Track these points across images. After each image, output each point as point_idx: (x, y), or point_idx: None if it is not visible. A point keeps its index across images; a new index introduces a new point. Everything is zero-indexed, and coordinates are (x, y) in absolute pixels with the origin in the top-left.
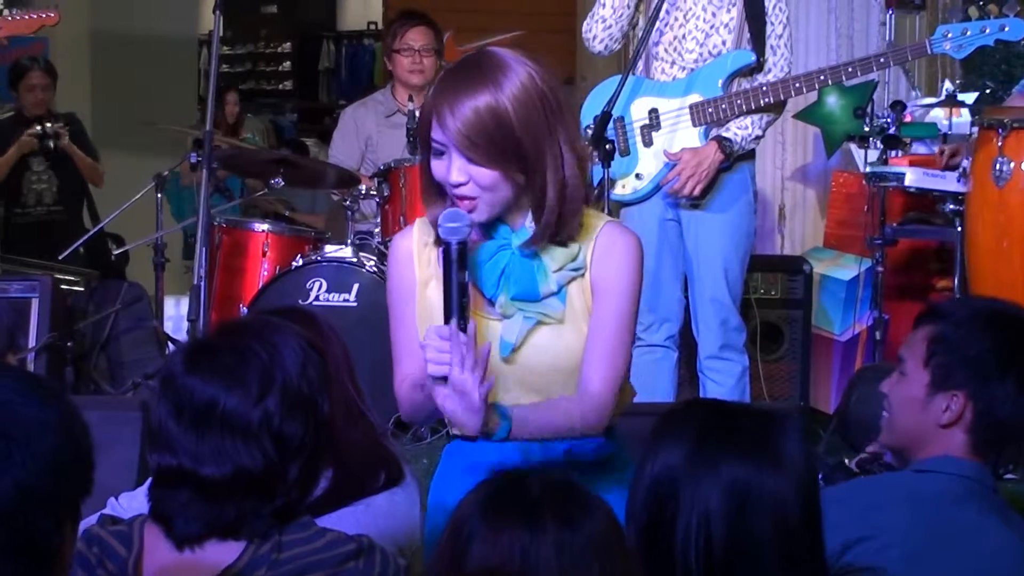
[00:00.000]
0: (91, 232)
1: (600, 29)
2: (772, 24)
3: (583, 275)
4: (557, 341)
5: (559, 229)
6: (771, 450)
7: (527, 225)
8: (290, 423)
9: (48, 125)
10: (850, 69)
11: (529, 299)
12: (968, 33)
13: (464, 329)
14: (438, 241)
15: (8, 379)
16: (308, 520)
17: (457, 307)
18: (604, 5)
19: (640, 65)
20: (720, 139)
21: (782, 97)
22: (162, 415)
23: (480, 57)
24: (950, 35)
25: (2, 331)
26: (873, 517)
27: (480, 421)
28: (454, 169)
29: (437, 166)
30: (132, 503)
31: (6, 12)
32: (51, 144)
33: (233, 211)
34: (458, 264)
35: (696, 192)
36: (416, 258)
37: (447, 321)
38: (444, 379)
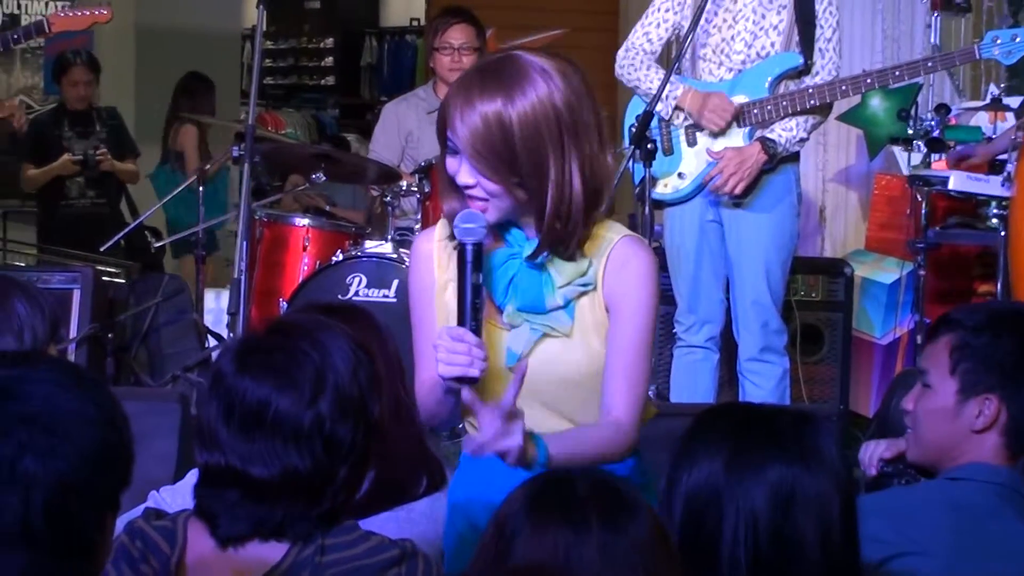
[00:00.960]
0: (132, 224)
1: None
2: (821, 27)
3: (594, 289)
4: (565, 355)
5: (561, 246)
6: (811, 450)
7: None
8: (341, 426)
9: (90, 153)
10: (897, 73)
11: (535, 311)
12: (1018, 39)
13: (477, 331)
14: (453, 238)
15: (49, 371)
16: (352, 524)
17: (470, 308)
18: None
19: (687, 66)
20: (764, 140)
21: (828, 100)
22: (211, 415)
23: (505, 61)
24: (999, 40)
25: (45, 321)
26: (911, 530)
27: (517, 454)
28: (463, 171)
29: (451, 163)
30: (175, 498)
31: (58, 8)
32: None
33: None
34: (472, 265)
35: (738, 190)
36: (436, 260)
37: (460, 322)
38: (455, 380)
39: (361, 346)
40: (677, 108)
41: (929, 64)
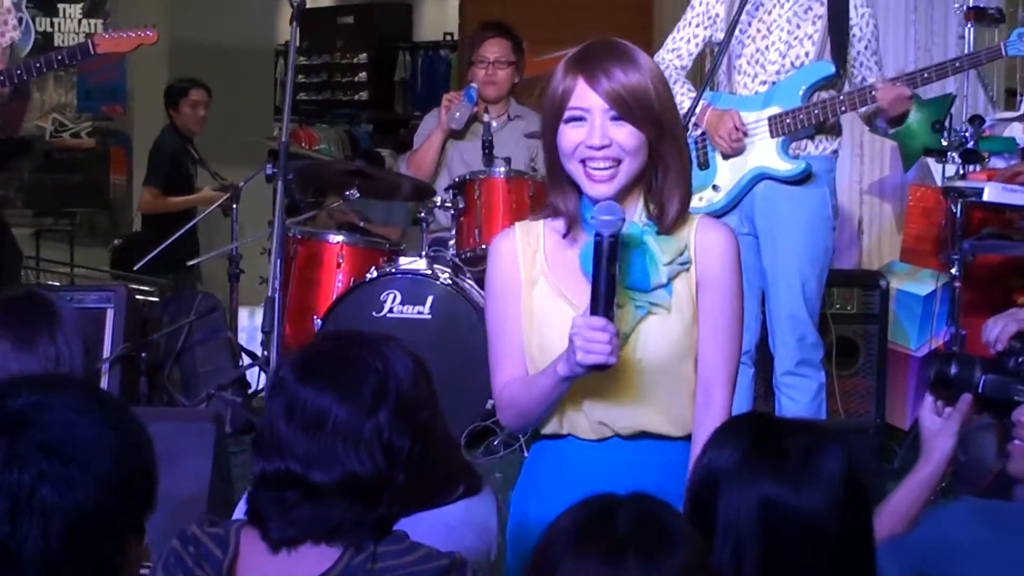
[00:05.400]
0: (168, 241)
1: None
2: (859, 38)
3: (688, 268)
4: (665, 331)
5: (671, 212)
6: (810, 470)
7: (636, 217)
8: (399, 435)
9: (226, 183)
10: (926, 75)
11: (641, 288)
12: None
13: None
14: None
15: (70, 397)
16: (402, 533)
17: (604, 300)
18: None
19: (723, 79)
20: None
21: (859, 107)
22: (272, 418)
23: (613, 42)
24: None
25: (82, 345)
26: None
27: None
28: (597, 131)
29: (575, 133)
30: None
31: (102, 31)
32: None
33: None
34: (608, 258)
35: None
36: (521, 259)
37: (595, 312)
38: (597, 368)
39: (416, 357)
40: (695, 124)
41: (957, 64)
